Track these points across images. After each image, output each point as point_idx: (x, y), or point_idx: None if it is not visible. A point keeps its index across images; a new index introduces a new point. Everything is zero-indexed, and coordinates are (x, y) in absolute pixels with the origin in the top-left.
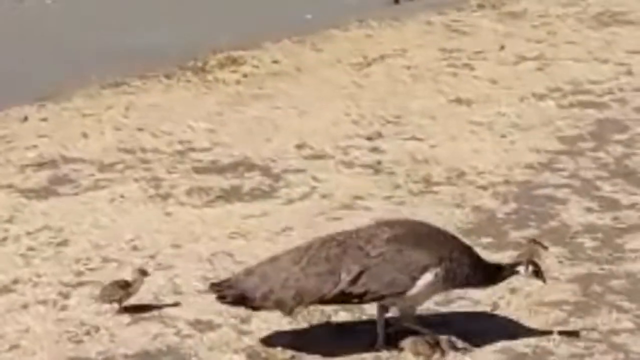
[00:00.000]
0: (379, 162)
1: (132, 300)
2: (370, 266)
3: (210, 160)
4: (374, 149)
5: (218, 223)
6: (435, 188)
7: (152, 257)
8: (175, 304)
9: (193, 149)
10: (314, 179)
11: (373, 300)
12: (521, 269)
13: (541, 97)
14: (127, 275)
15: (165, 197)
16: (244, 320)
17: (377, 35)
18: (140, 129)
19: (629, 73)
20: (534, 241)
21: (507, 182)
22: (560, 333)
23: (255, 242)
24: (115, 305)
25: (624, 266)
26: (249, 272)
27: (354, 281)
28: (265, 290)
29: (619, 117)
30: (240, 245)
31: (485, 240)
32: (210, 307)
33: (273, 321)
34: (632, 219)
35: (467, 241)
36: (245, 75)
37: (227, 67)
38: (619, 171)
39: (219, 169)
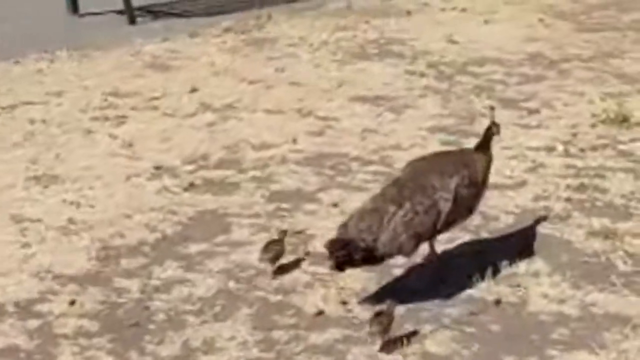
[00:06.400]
0: None
1: None
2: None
3: None
4: None
5: None
6: None
7: None
8: None
9: None
10: None
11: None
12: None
13: (138, 176)
14: None
15: None
16: None
17: (51, 72)
18: None
19: (317, 133)
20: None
21: None
22: None
23: None
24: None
25: None
26: (356, 228)
27: (455, 198)
28: (385, 239)
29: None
30: None
31: None
32: None
33: None
34: None
35: None
36: None
37: None
38: None
39: None
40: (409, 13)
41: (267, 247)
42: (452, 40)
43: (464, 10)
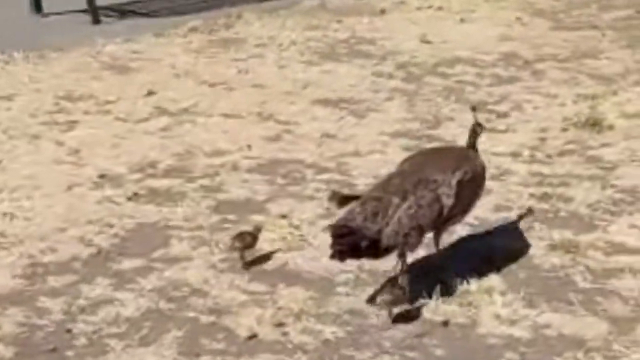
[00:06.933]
0: None
1: None
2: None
3: None
4: None
5: None
6: None
7: None
8: None
9: None
10: None
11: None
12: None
13: (81, 185)
14: None
15: None
16: None
17: (5, 73)
18: None
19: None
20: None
21: None
22: None
23: None
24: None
25: None
26: (362, 216)
27: (457, 193)
28: (390, 230)
29: None
30: None
31: None
32: None
33: None
34: None
35: None
36: None
37: None
38: None
39: None
40: (383, 12)
41: (239, 236)
42: (425, 40)
43: (440, 8)
